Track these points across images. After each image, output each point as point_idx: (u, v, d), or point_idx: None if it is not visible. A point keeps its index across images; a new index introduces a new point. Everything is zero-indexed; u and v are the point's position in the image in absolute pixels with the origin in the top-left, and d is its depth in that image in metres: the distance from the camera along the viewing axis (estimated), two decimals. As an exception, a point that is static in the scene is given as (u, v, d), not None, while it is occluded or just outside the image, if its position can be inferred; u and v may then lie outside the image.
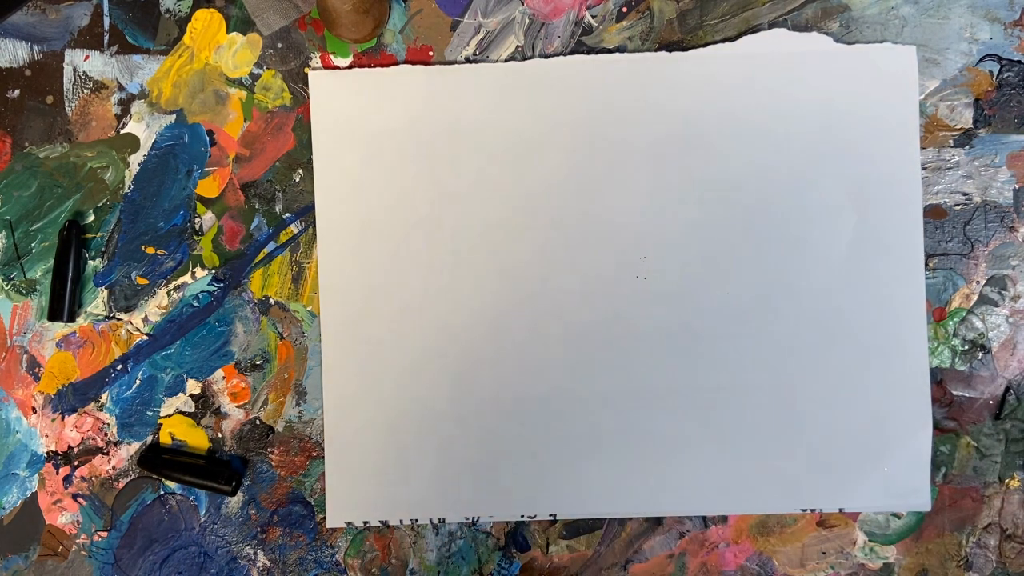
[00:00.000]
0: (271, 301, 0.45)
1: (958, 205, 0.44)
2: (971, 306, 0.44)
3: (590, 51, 0.44)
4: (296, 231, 0.44)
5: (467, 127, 0.44)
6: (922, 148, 0.44)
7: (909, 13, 0.44)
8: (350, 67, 0.44)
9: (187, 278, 0.45)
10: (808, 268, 0.43)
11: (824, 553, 0.44)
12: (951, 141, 0.44)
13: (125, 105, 0.45)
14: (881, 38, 0.43)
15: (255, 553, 0.45)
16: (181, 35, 0.44)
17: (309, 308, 0.44)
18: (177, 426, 0.45)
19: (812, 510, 0.44)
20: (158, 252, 0.45)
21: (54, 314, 0.44)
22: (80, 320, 0.45)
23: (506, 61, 0.44)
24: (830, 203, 0.43)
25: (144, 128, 0.44)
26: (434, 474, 0.44)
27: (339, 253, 0.44)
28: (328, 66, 0.44)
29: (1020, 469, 0.44)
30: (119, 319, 0.45)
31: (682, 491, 0.44)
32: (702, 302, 0.43)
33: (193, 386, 0.45)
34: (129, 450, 0.45)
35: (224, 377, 0.45)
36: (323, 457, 0.44)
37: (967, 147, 0.44)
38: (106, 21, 0.44)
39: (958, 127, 0.44)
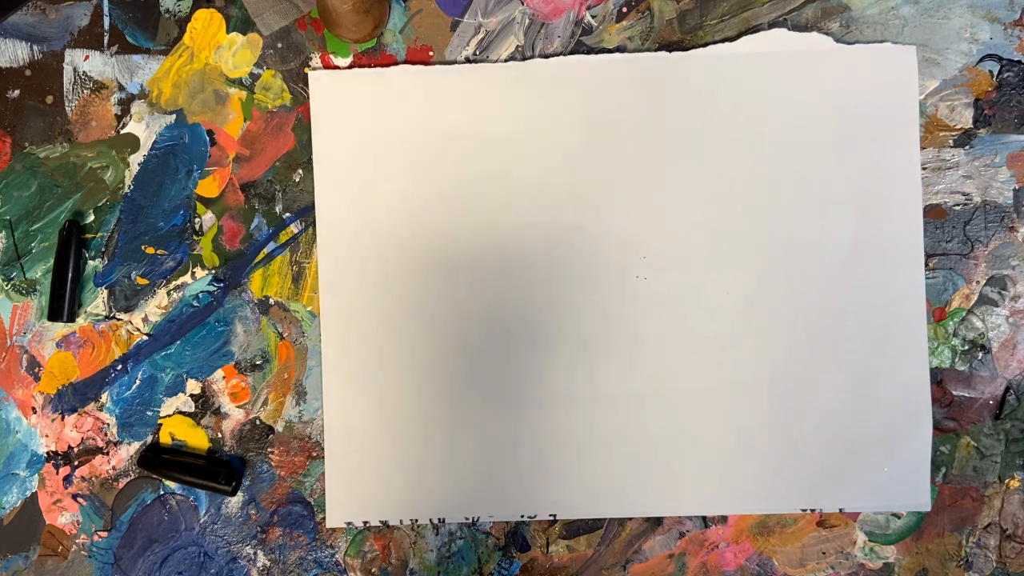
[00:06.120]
0: (271, 301, 0.45)
1: (958, 205, 0.44)
2: (971, 306, 0.44)
3: (590, 51, 0.44)
4: (296, 231, 0.44)
5: (467, 127, 0.44)
6: (922, 148, 0.44)
7: (909, 13, 0.44)
8: (350, 67, 0.44)
9: (187, 278, 0.45)
10: (808, 268, 0.43)
11: (824, 553, 0.44)
12: (951, 141, 0.44)
13: (125, 105, 0.45)
14: (881, 38, 0.43)
15: (255, 553, 0.45)
16: (181, 35, 0.44)
17: (309, 308, 0.44)
18: (177, 426, 0.45)
19: (812, 510, 0.44)
20: (158, 252, 0.45)
21: (54, 314, 0.44)
22: (80, 320, 0.45)
23: (506, 61, 0.44)
24: (830, 203, 0.43)
25: (144, 128, 0.44)
26: (434, 474, 0.44)
27: (339, 253, 0.44)
28: (328, 66, 0.44)
29: (1020, 469, 0.44)
30: (119, 319, 0.45)
31: (682, 491, 0.44)
32: (702, 302, 0.43)
33: (193, 386, 0.45)
34: (129, 450, 0.45)
35: (224, 377, 0.45)
36: (323, 457, 0.44)
37: (967, 147, 0.44)
38: (106, 21, 0.44)
39: (958, 127, 0.44)
